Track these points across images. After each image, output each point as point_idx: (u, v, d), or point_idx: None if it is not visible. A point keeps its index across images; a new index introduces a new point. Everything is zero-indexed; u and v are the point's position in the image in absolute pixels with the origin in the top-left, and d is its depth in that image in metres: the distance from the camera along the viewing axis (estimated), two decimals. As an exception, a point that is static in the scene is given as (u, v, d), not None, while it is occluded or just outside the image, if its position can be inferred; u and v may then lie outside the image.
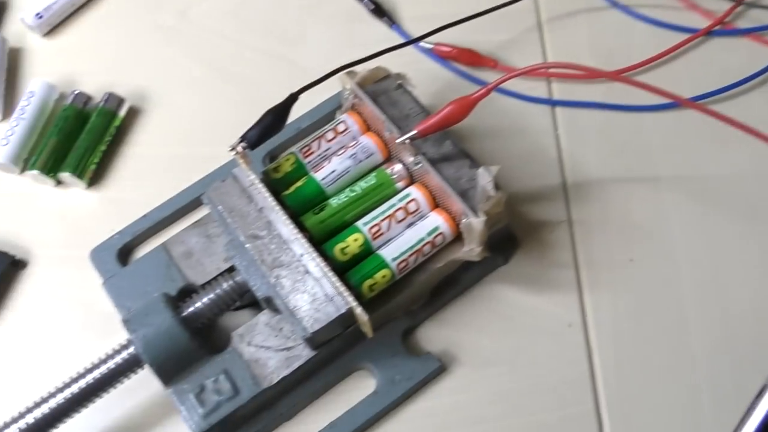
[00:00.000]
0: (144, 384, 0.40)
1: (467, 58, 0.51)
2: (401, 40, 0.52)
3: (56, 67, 0.53)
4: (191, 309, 0.39)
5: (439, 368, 0.41)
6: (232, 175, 0.40)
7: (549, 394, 0.41)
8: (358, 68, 0.44)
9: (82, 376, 0.38)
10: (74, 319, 0.44)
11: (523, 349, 0.42)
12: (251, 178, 0.40)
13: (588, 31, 0.52)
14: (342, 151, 0.42)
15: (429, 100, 0.49)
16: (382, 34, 0.53)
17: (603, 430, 0.40)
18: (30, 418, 0.37)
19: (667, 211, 0.46)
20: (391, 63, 0.45)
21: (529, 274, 0.44)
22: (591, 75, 0.48)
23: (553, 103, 0.49)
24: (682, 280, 0.44)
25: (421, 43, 0.51)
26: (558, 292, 0.44)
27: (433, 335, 0.43)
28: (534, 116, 0.49)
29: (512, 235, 0.45)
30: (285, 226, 0.38)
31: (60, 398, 0.37)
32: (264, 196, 0.39)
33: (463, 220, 0.39)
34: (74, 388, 0.37)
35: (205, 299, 0.39)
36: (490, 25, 0.50)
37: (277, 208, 0.39)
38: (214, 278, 0.40)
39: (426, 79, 0.51)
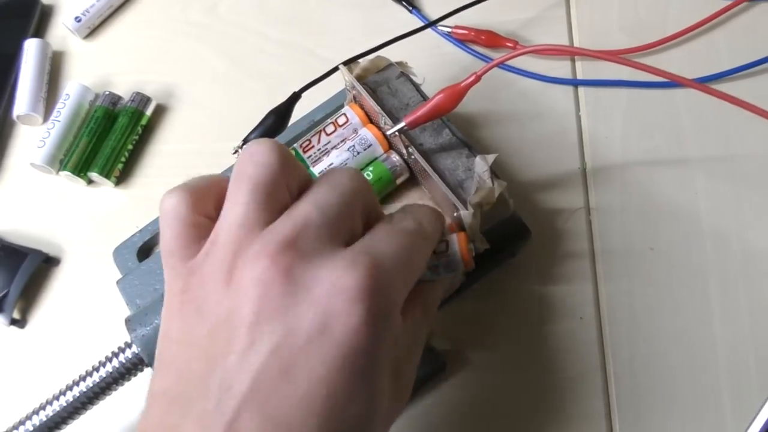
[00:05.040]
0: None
1: (486, 40, 0.48)
2: (421, 25, 0.50)
3: (94, 69, 0.54)
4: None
5: (440, 365, 0.40)
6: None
7: (557, 392, 0.39)
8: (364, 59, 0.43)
9: (83, 378, 0.38)
10: (100, 316, 0.46)
11: (530, 345, 0.41)
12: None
13: (619, 4, 0.49)
14: (341, 144, 0.42)
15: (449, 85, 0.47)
16: (403, 20, 0.51)
17: (613, 430, 0.38)
18: (29, 425, 0.38)
19: (694, 196, 0.43)
20: (412, 49, 0.44)
21: (541, 267, 0.42)
22: (583, 54, 0.45)
23: (576, 83, 0.47)
24: (708, 270, 0.41)
25: (441, 27, 0.49)
26: (570, 284, 0.42)
27: (437, 331, 0.42)
28: (556, 98, 0.47)
29: (523, 226, 0.43)
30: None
31: (63, 401, 0.38)
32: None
33: (454, 214, 0.38)
34: (75, 392, 0.38)
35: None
36: (514, 3, 0.48)
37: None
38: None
39: (446, 63, 0.49)
